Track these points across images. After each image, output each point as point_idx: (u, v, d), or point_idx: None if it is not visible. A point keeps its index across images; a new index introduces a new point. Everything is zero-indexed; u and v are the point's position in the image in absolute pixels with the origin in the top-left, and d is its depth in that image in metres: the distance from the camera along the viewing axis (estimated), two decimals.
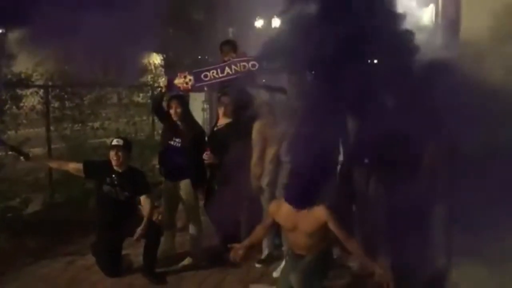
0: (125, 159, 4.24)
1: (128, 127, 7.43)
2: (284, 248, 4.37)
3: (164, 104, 4.74)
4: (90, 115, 6.75)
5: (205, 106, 7.15)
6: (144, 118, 7.83)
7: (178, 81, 4.44)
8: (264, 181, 4.29)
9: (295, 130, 3.42)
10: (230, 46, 5.11)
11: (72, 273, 4.43)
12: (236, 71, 4.23)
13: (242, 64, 4.20)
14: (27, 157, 4.26)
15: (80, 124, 6.59)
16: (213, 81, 4.34)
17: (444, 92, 3.03)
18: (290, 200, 3.42)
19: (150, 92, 8.09)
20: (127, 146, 4.28)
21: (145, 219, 4.18)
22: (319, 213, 3.36)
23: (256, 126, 4.43)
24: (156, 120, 8.01)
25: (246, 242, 3.71)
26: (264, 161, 4.35)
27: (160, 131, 8.04)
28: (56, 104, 6.32)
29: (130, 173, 4.31)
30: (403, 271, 3.66)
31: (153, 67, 14.91)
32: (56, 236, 5.21)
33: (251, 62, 4.16)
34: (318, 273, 3.40)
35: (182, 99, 4.52)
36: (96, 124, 6.82)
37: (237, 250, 3.62)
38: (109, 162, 4.25)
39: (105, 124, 6.94)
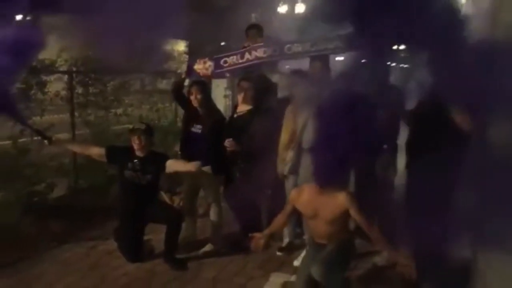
0: (147, 143, 4.23)
1: (151, 113, 7.45)
2: (305, 237, 4.32)
3: (186, 90, 4.72)
4: (113, 102, 6.76)
5: (227, 92, 7.10)
6: (167, 104, 7.82)
7: (198, 66, 4.40)
8: (286, 169, 4.23)
9: (322, 110, 3.29)
10: (256, 30, 5.02)
11: (94, 258, 4.48)
12: (257, 57, 4.14)
13: (262, 49, 4.12)
14: (50, 140, 4.29)
15: (103, 111, 6.61)
16: (233, 67, 4.27)
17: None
18: (318, 176, 3.31)
19: (173, 78, 8.08)
20: (148, 130, 4.27)
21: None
22: (340, 199, 3.30)
23: (289, 109, 4.39)
24: (179, 106, 8.07)
25: (267, 231, 3.67)
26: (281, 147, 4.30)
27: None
28: (80, 90, 6.34)
29: (152, 157, 4.30)
30: (426, 260, 3.58)
31: (176, 54, 14.95)
32: (79, 221, 5.27)
33: (273, 48, 4.07)
34: (340, 263, 3.33)
35: (203, 85, 4.47)
36: (119, 111, 6.84)
37: (258, 239, 3.58)
38: (131, 147, 4.25)
39: (128, 111, 6.95)
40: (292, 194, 3.61)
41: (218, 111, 4.73)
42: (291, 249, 4.50)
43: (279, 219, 3.66)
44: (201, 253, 4.50)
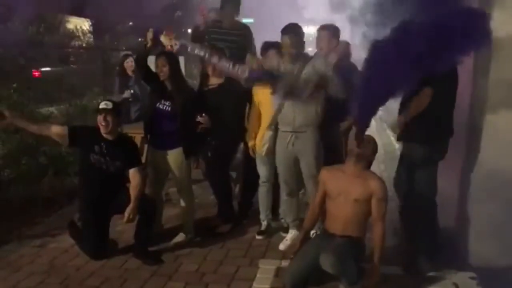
0: (114, 125, 3.69)
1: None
2: (289, 220, 4.08)
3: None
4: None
5: None
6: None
7: (165, 39, 3.92)
8: (263, 150, 3.95)
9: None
10: (232, 5, 4.60)
11: (48, 258, 3.85)
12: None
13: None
14: (1, 116, 3.56)
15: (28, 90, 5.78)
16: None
17: None
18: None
19: (101, 56, 7.37)
20: (116, 109, 3.72)
21: (133, 198, 3.67)
22: (373, 184, 3.13)
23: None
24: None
25: (303, 233, 3.45)
26: (261, 128, 4.02)
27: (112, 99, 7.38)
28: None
29: (121, 141, 3.77)
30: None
31: (80, 33, 13.78)
32: (15, 217, 4.56)
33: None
34: (350, 256, 3.09)
35: (172, 56, 3.97)
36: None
37: (294, 246, 3.47)
38: (98, 129, 3.68)
39: None
40: (323, 175, 3.38)
41: (188, 85, 4.25)
42: (270, 232, 4.22)
43: (314, 212, 3.43)
44: (172, 244, 4.05)
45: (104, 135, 3.68)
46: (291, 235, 4.02)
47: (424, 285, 3.33)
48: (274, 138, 3.88)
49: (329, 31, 4.09)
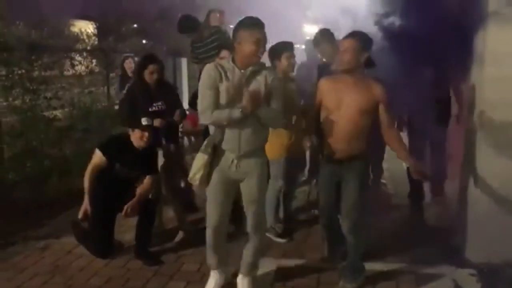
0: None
1: (83, 96, 6.74)
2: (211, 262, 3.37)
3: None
4: (42, 84, 5.97)
5: None
6: (101, 87, 7.18)
7: None
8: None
9: None
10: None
11: (52, 259, 3.90)
12: None
13: None
14: None
15: (31, 94, 5.82)
16: None
17: None
18: None
19: (105, 59, 7.43)
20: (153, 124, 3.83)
21: (138, 195, 3.76)
22: (375, 89, 3.03)
23: None
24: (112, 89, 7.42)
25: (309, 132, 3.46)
26: None
27: (116, 102, 7.46)
28: (4, 71, 5.52)
29: (147, 151, 3.85)
30: None
31: (85, 36, 13.83)
32: (20, 218, 4.62)
33: None
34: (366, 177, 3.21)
35: (162, 64, 4.11)
36: (49, 94, 6.07)
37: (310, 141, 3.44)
38: (126, 137, 3.79)
39: (59, 94, 6.21)
40: (322, 85, 3.24)
41: (172, 86, 4.46)
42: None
43: (313, 118, 3.35)
44: (174, 244, 4.10)
45: (136, 146, 3.76)
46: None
47: (423, 282, 3.35)
48: (209, 164, 2.98)
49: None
